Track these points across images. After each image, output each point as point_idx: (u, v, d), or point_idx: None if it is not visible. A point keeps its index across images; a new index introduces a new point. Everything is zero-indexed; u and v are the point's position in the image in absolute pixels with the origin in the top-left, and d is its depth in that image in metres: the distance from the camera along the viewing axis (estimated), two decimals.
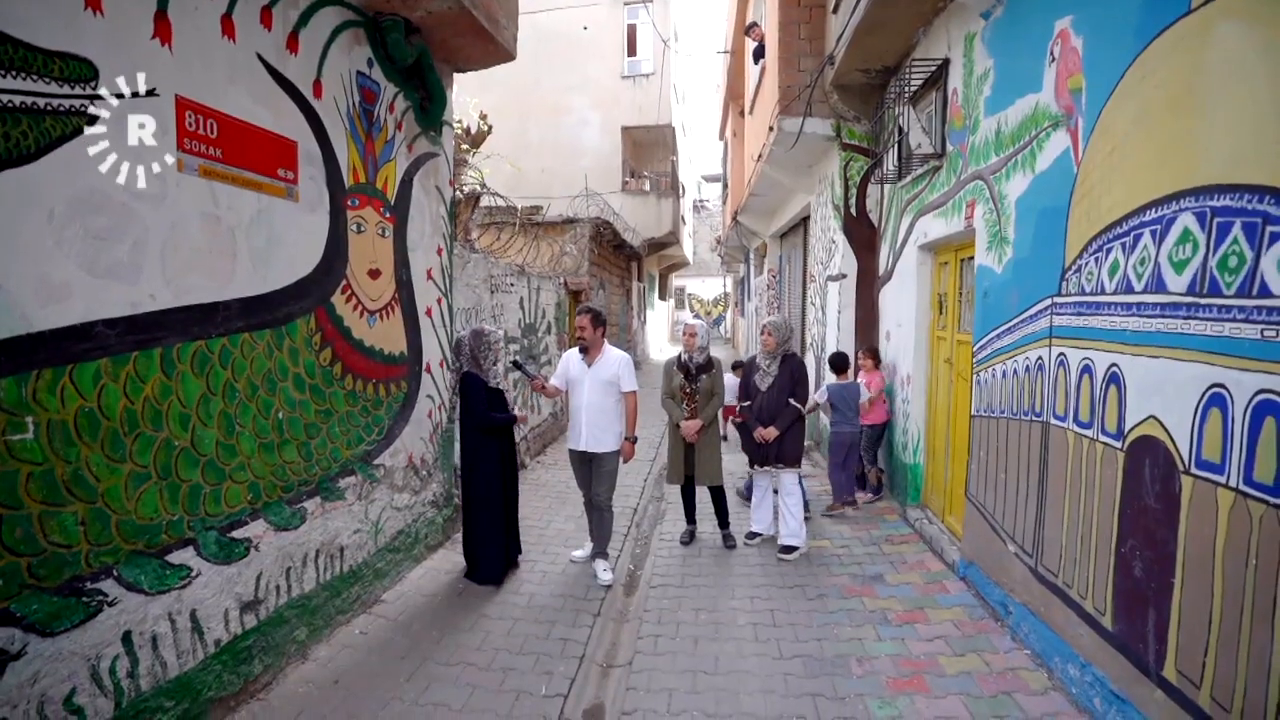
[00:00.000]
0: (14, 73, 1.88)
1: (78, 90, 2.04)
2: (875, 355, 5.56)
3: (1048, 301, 2.93)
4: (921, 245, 4.85)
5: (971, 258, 3.98)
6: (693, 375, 4.38)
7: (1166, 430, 2.17)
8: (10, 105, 1.87)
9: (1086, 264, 2.62)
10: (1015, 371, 3.25)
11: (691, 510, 4.66)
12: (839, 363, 5.63)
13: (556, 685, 2.88)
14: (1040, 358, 3.00)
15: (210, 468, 2.54)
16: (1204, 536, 2.00)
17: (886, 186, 5.78)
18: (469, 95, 8.75)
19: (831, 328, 6.63)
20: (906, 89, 4.80)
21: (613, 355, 4.07)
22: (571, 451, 4.15)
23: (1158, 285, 2.21)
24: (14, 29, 1.87)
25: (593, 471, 4.07)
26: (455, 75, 4.66)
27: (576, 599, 3.73)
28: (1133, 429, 2.33)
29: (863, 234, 6.23)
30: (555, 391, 4.18)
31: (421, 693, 2.79)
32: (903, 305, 5.28)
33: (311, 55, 3.10)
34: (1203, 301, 2.02)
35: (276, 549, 2.90)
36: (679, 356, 4.48)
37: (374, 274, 3.66)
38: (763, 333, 4.48)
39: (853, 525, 4.89)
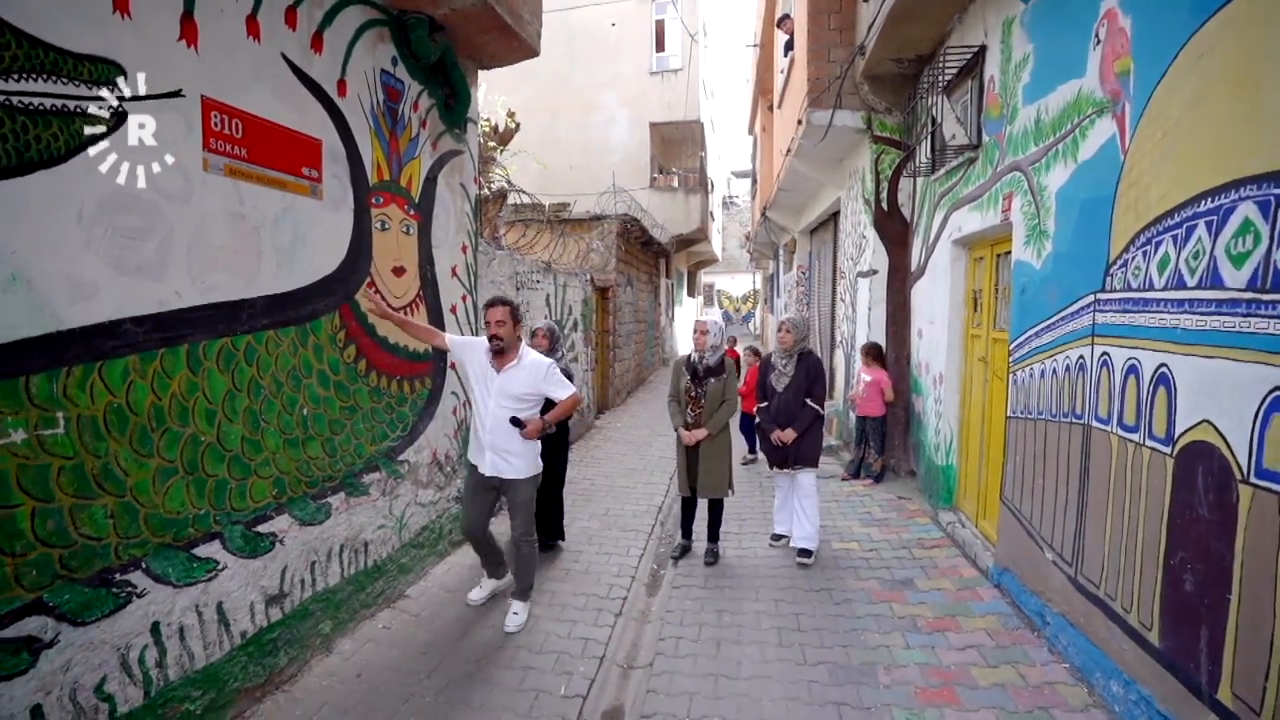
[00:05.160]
0: (46, 76, 1.91)
1: (106, 92, 2.08)
2: (875, 352, 5.96)
3: (1090, 298, 2.79)
4: (955, 240, 4.69)
5: (1008, 253, 3.83)
6: (700, 378, 4.04)
7: (1222, 435, 2.03)
8: (42, 108, 1.90)
9: (1133, 258, 2.48)
10: (1054, 371, 3.11)
11: (689, 524, 4.40)
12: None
13: (576, 685, 2.86)
14: (1082, 357, 2.86)
15: (236, 463, 2.58)
16: (1264, 550, 1.87)
17: (919, 180, 5.62)
18: (499, 93, 8.80)
19: (862, 324, 6.49)
20: (940, 78, 4.65)
21: (529, 366, 3.25)
22: (471, 468, 3.39)
23: (1214, 280, 2.07)
24: (45, 33, 1.90)
25: (506, 502, 3.40)
26: (481, 72, 4.67)
27: (598, 597, 3.70)
28: (1184, 434, 2.19)
29: (894, 229, 6.08)
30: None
31: (442, 689, 2.80)
32: (935, 302, 5.13)
33: (336, 54, 3.12)
34: (1264, 298, 1.88)
35: (301, 543, 2.93)
36: (688, 356, 4.18)
37: (398, 271, 3.69)
38: (780, 329, 4.27)
39: (882, 528, 4.76)
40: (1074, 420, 2.92)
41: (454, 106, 4.16)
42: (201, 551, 2.43)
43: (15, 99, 1.84)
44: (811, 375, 4.14)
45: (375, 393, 3.49)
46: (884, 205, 6.10)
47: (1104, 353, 2.68)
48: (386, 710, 2.65)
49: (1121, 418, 2.55)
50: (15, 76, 1.85)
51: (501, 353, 3.22)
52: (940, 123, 4.80)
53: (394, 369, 3.64)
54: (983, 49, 4.12)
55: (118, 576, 2.13)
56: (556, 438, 4.14)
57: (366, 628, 3.30)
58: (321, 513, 3.06)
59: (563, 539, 4.49)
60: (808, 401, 4.10)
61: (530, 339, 4.27)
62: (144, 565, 2.21)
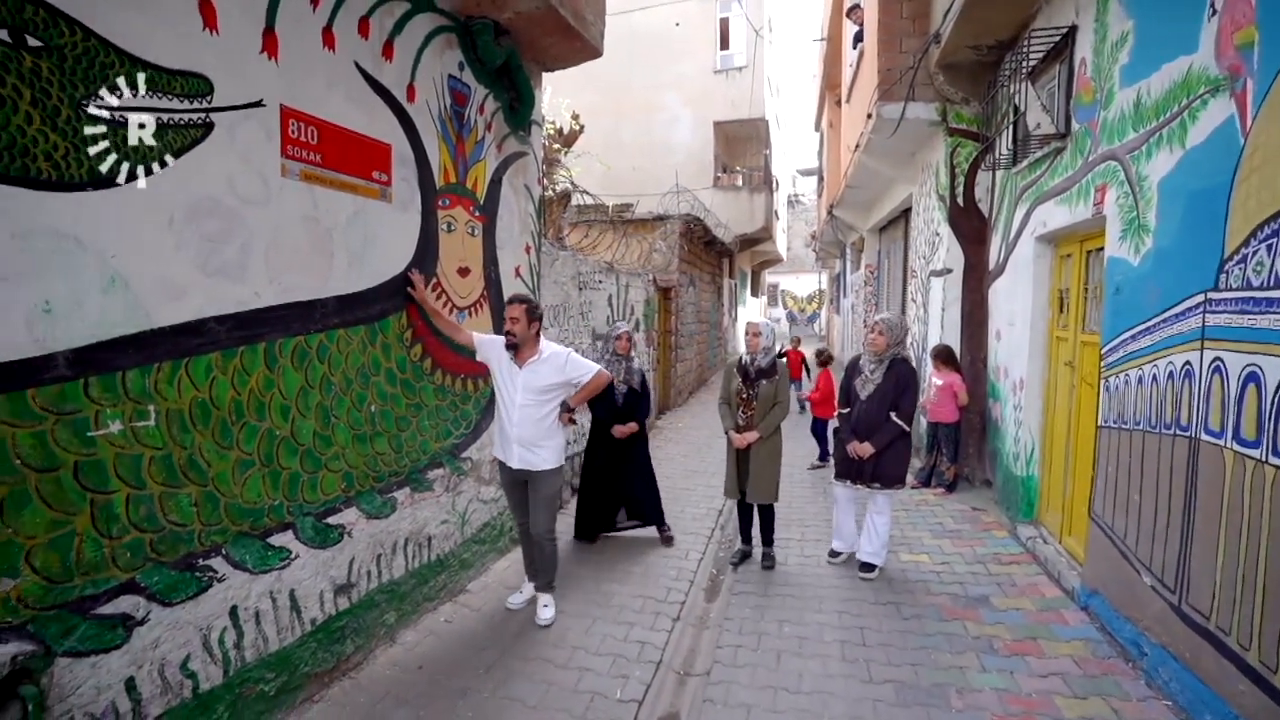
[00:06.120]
0: (144, 92, 2.04)
1: (196, 105, 2.20)
2: (944, 355, 5.64)
3: (1200, 298, 2.52)
4: (1039, 236, 4.39)
5: (1100, 249, 3.54)
6: (751, 380, 3.95)
7: None
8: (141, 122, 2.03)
9: (1255, 253, 2.22)
10: (1155, 378, 2.84)
11: (747, 529, 4.29)
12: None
13: (632, 690, 2.82)
14: (1188, 363, 2.59)
15: (308, 457, 2.69)
16: None
17: (999, 173, 5.31)
18: (563, 97, 8.93)
19: (934, 326, 6.19)
20: (1025, 64, 4.36)
21: (549, 358, 3.30)
22: (501, 466, 3.45)
23: None
24: (145, 53, 2.03)
25: (529, 496, 3.40)
26: (545, 76, 4.72)
27: (656, 601, 3.66)
28: None
29: (970, 225, 5.77)
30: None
31: (499, 685, 2.83)
32: (1016, 302, 4.82)
33: (406, 61, 3.21)
34: None
35: (368, 536, 3.03)
36: (740, 358, 4.10)
37: (463, 272, 3.77)
38: (872, 330, 3.86)
39: (954, 540, 4.51)
40: (1178, 432, 2.65)
41: (519, 109, 4.22)
42: (276, 540, 2.54)
43: (118, 115, 1.98)
44: (901, 386, 3.76)
45: (440, 390, 3.58)
46: (960, 201, 5.79)
47: (1216, 358, 2.42)
48: (445, 703, 2.70)
49: (1238, 431, 2.29)
50: (119, 94, 1.98)
51: (517, 349, 3.27)
52: (1024, 111, 4.50)
53: (458, 367, 3.72)
54: (1073, 30, 3.83)
55: (200, 561, 2.25)
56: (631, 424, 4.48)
57: (428, 620, 3.38)
58: (387, 507, 3.16)
59: (667, 525, 4.68)
60: (892, 415, 3.76)
61: (614, 343, 4.45)
62: (224, 552, 2.33)
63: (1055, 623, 3.32)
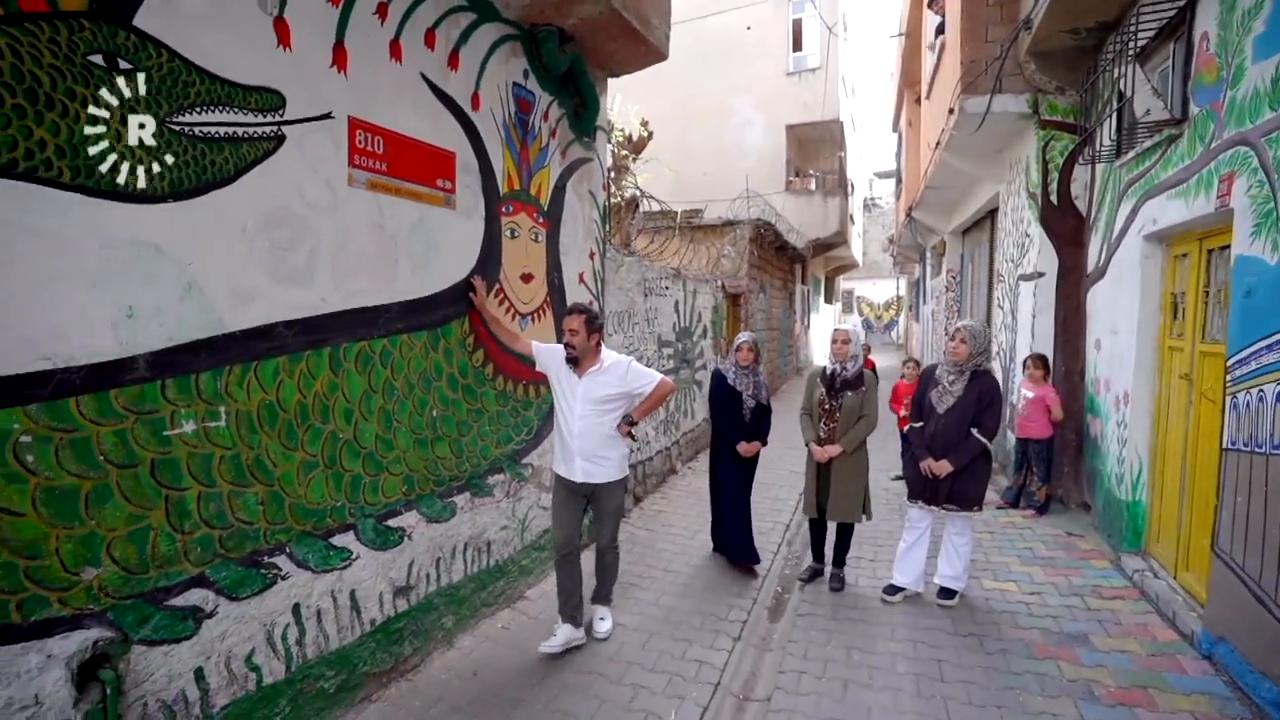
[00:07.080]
0: (221, 107, 2.14)
1: (269, 118, 2.28)
2: (1045, 365, 5.22)
3: None
4: (1148, 234, 3.96)
5: (1224, 247, 3.14)
6: (836, 390, 3.75)
7: None
8: (218, 135, 2.13)
9: None
10: None
11: (820, 546, 4.05)
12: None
13: (687, 713, 2.70)
14: None
15: (370, 460, 2.74)
16: None
17: (1099, 167, 4.87)
18: (633, 103, 8.95)
19: (1024, 333, 5.74)
20: (1132, 44, 3.95)
21: (611, 368, 3.18)
22: (559, 479, 3.28)
23: None
24: (223, 70, 2.13)
25: (594, 510, 3.31)
26: (614, 83, 4.71)
27: (717, 618, 3.53)
28: None
29: (1065, 225, 5.32)
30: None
31: (552, 698, 2.77)
32: (1120, 307, 4.37)
33: (471, 70, 3.25)
34: None
35: (428, 539, 3.06)
36: (824, 367, 3.91)
37: (526, 278, 3.78)
38: (953, 338, 3.55)
39: (1046, 568, 4.11)
40: None
41: (583, 115, 4.21)
42: (338, 541, 2.60)
43: (198, 129, 2.07)
44: (984, 400, 3.45)
45: (501, 396, 3.59)
46: (1053, 198, 5.35)
47: None
48: (498, 713, 2.67)
49: None
50: (198, 110, 2.08)
51: (576, 361, 3.15)
52: (1130, 97, 4.08)
53: (520, 373, 3.72)
54: (1191, 2, 3.43)
55: (265, 559, 2.32)
56: (757, 442, 4.22)
57: (486, 626, 3.39)
58: (447, 511, 3.19)
59: (758, 561, 4.22)
60: (973, 431, 3.45)
61: (735, 355, 4.19)
62: (288, 550, 2.40)
63: (1170, 670, 2.94)
